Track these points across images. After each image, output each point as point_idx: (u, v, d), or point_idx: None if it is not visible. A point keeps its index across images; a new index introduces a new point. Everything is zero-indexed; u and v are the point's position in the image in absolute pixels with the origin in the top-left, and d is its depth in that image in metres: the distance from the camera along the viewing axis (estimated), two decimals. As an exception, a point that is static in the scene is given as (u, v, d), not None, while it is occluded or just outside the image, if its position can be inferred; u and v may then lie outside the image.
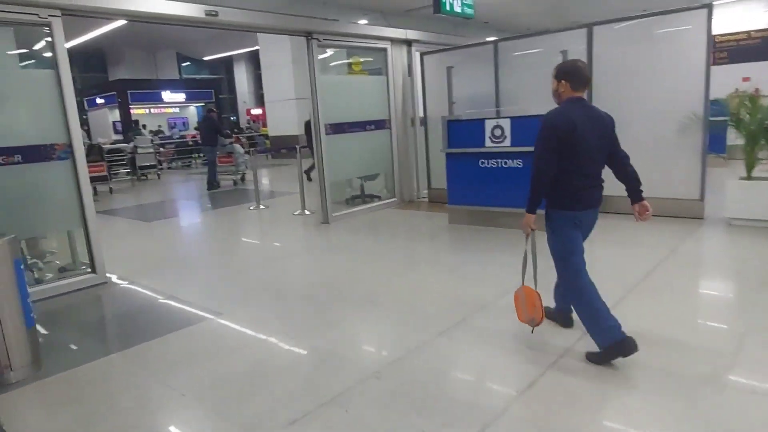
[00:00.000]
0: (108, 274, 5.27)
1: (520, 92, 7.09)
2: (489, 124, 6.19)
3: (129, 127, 21.49)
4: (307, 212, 8.12)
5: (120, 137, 20.14)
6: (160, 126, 22.06)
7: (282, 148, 13.86)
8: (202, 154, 10.38)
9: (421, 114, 8.50)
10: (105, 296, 5.00)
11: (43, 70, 4.85)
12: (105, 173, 11.88)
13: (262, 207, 8.99)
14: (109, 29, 18.87)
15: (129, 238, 7.57)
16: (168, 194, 12.24)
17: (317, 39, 6.90)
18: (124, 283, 5.18)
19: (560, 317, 3.42)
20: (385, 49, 7.94)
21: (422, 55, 8.16)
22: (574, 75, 2.94)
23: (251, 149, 12.02)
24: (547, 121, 2.89)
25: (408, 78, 8.37)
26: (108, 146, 15.40)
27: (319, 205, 7.39)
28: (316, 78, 6.90)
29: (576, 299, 3.02)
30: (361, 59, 8.16)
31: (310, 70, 6.90)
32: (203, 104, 25.08)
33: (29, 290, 4.76)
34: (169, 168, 17.79)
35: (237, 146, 12.66)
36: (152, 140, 14.91)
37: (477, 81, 7.55)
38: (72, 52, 20.43)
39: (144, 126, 21.31)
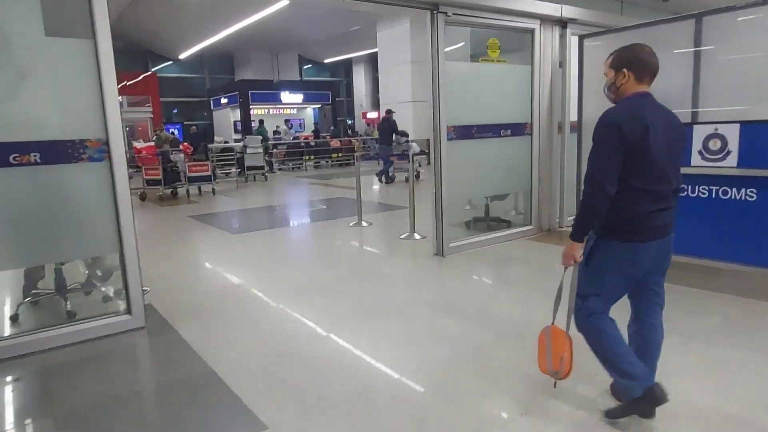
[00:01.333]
0: (152, 306, 3.89)
1: (739, 88, 4.72)
2: (700, 133, 4.00)
3: (248, 127, 21.36)
4: (416, 236, 6.36)
5: (239, 136, 19.97)
6: (278, 126, 21.66)
7: (391, 154, 12.51)
8: (378, 152, 12.72)
9: (572, 117, 6.37)
10: (138, 350, 3.60)
11: (75, 39, 3.52)
12: (209, 173, 11.07)
13: (364, 224, 7.38)
14: (238, 29, 18.76)
15: (201, 257, 6.30)
16: (268, 199, 11.15)
17: (445, 13, 5.09)
18: (165, 332, 3.75)
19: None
20: (532, 31, 5.93)
21: (581, 38, 6.02)
22: (640, 62, 2.24)
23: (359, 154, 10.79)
24: (608, 120, 2.14)
25: (558, 69, 6.28)
26: (220, 145, 14.93)
27: (433, 227, 5.57)
28: (439, 64, 5.10)
29: (590, 342, 2.34)
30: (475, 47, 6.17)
31: (433, 54, 5.11)
32: (320, 106, 24.48)
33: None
34: (279, 170, 17.06)
35: (414, 145, 12.18)
36: (261, 140, 14.06)
37: (663, 74, 5.28)
38: (204, 54, 20.85)
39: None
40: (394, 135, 12.39)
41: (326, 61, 27.69)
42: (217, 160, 14.30)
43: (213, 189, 11.26)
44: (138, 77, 22.75)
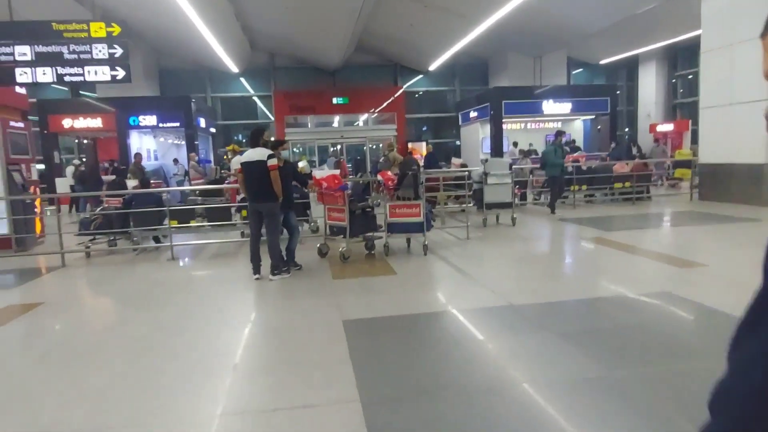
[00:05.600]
0: None
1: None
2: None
3: (499, 144, 16.58)
4: None
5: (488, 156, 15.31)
6: (531, 144, 16.28)
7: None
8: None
9: None
10: None
11: None
12: (420, 219, 6.58)
13: None
14: (494, 23, 14.22)
15: None
16: (504, 280, 5.91)
17: None
18: None
19: None
20: None
21: None
22: None
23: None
24: None
25: None
26: (453, 171, 10.49)
27: None
28: None
29: None
30: None
31: None
32: (593, 117, 18.12)
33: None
34: (534, 201, 11.73)
35: None
36: (510, 164, 9.00)
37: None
38: (456, 64, 13.36)
39: (515, 144, 15.97)
40: None
41: (602, 62, 21.04)
42: (445, 190, 9.87)
43: (425, 245, 6.71)
44: (389, 95, 20.24)
